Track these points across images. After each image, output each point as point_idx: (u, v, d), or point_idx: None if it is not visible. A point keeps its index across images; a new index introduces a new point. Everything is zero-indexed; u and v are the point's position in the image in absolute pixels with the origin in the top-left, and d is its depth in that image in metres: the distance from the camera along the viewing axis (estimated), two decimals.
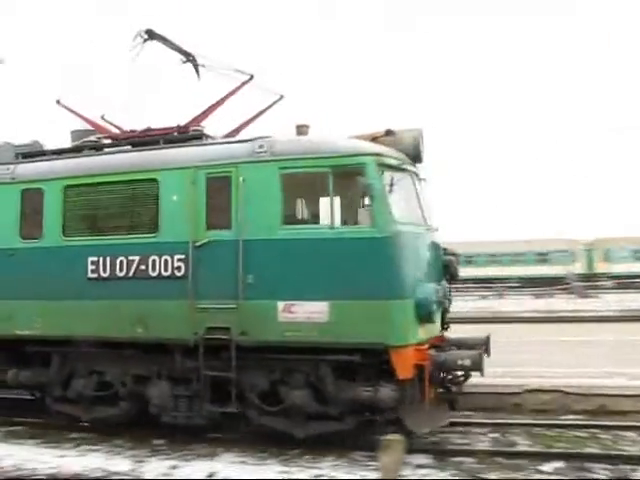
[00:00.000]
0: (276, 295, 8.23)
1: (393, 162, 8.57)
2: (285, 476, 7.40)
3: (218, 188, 8.65)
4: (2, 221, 10.09)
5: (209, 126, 10.28)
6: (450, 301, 9.50)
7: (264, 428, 8.71)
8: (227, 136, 9.88)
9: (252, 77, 10.20)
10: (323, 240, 8.19)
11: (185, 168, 8.90)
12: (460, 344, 9.10)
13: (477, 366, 8.26)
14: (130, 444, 9.16)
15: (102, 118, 10.81)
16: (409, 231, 8.38)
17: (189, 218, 8.75)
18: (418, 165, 9.49)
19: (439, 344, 8.89)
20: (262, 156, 8.55)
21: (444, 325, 9.48)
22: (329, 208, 8.23)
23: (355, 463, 8.14)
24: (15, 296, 9.81)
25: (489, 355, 9.26)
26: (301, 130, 9.31)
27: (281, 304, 8.19)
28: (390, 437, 6.88)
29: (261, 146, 8.64)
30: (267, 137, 8.88)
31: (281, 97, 10.47)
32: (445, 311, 9.36)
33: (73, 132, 10.89)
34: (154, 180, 9.09)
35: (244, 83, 10.17)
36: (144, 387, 9.16)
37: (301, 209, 8.93)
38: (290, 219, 8.55)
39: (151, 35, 10.39)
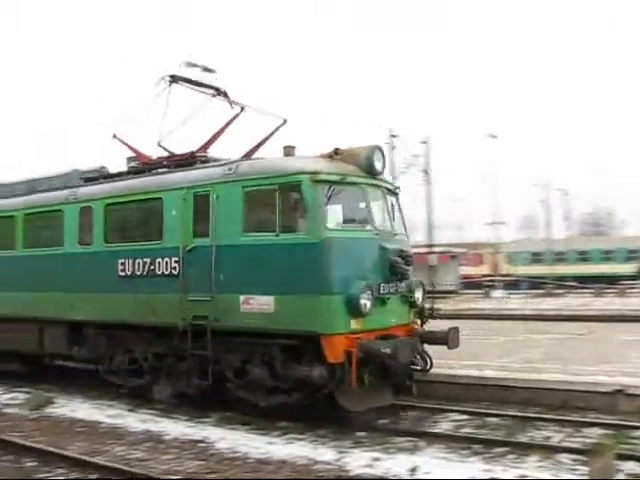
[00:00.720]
0: (238, 290, 9.94)
1: (333, 177, 9.76)
2: (489, 475, 7.28)
3: (201, 204, 10.52)
4: (69, 232, 12.82)
5: (228, 150, 12.17)
6: (418, 297, 10.63)
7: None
8: (242, 157, 11.48)
9: (243, 108, 12.40)
10: (269, 245, 9.70)
11: (180, 189, 10.89)
12: (428, 335, 10.61)
13: (395, 354, 9.17)
14: (334, 435, 9.41)
15: (158, 144, 12.56)
16: (342, 237, 9.64)
17: (182, 228, 10.75)
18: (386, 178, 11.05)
19: (396, 334, 10.02)
20: (230, 177, 10.32)
21: (422, 318, 10.92)
22: (276, 218, 9.65)
23: (561, 465, 7.83)
24: (76, 290, 12.49)
25: (452, 347, 10.64)
26: (287, 151, 10.95)
27: (242, 297, 9.88)
28: (600, 441, 6.55)
29: (230, 169, 10.45)
30: (235, 161, 10.81)
31: (284, 122, 12.20)
32: (413, 305, 10.60)
33: (127, 159, 13.16)
34: (159, 198, 11.20)
35: (237, 115, 12.38)
36: (160, 363, 11.25)
37: (258, 219, 10.10)
38: (248, 228, 9.99)
39: (174, 79, 12.35)
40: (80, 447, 8.81)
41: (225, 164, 10.81)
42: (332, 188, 9.77)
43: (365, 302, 9.32)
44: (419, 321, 10.91)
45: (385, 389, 10.21)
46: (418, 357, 10.33)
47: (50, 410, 11.15)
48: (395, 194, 11.34)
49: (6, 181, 15.77)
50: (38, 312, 13.16)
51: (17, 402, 11.82)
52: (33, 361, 14.47)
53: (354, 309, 9.28)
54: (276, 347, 9.72)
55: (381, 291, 9.79)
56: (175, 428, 9.79)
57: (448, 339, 10.50)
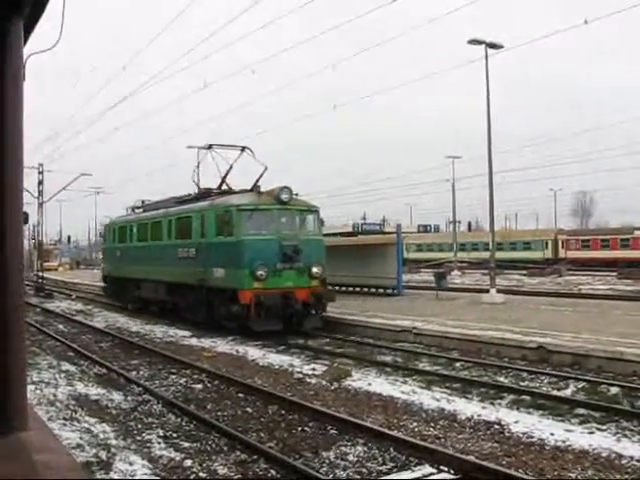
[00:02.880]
0: (213, 265, 18.76)
1: (250, 207, 18.50)
2: None
3: (202, 220, 19.65)
4: (165, 232, 22.68)
5: (238, 186, 21.17)
6: (316, 271, 18.40)
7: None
8: (248, 191, 20.04)
9: (244, 148, 21.51)
10: (222, 243, 18.57)
11: (197, 211, 20.33)
12: (317, 293, 18.35)
13: (263, 301, 17.25)
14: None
15: (193, 180, 22.29)
16: (251, 238, 18.06)
17: (198, 233, 19.90)
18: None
19: (294, 292, 17.86)
20: (210, 207, 19.56)
21: (324, 284, 18.98)
22: (226, 228, 18.49)
23: None
24: (167, 265, 22.05)
25: (326, 300, 18.67)
26: (255, 189, 19.74)
27: (214, 269, 18.67)
28: None
29: (211, 203, 19.75)
30: (215, 197, 20.21)
31: (266, 169, 20.92)
32: (312, 276, 18.41)
33: (198, 190, 22.14)
34: (190, 217, 20.69)
35: (231, 167, 21.58)
36: (192, 304, 20.29)
37: (220, 229, 18.83)
38: (217, 232, 18.91)
39: (210, 146, 21.29)
40: (377, 420, 9.16)
41: (210, 199, 20.30)
42: (251, 212, 18.44)
43: (261, 273, 17.63)
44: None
45: (275, 321, 17.68)
46: (296, 305, 17.77)
47: (347, 382, 11.72)
48: (313, 212, 19.73)
49: (147, 202, 27.73)
50: (155, 277, 23.39)
51: (317, 373, 12.61)
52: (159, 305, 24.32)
53: (254, 276, 17.61)
54: (225, 296, 18.28)
55: (277, 267, 17.95)
56: (468, 408, 9.73)
57: (322, 295, 18.55)
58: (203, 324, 19.78)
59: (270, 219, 18.46)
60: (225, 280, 18.21)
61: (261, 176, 20.58)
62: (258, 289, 17.41)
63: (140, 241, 25.18)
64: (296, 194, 19.21)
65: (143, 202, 28.29)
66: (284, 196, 18.47)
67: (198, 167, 21.67)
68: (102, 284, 31.82)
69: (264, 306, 17.21)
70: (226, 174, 21.46)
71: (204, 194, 21.25)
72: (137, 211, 28.28)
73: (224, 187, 21.57)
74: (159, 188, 38.00)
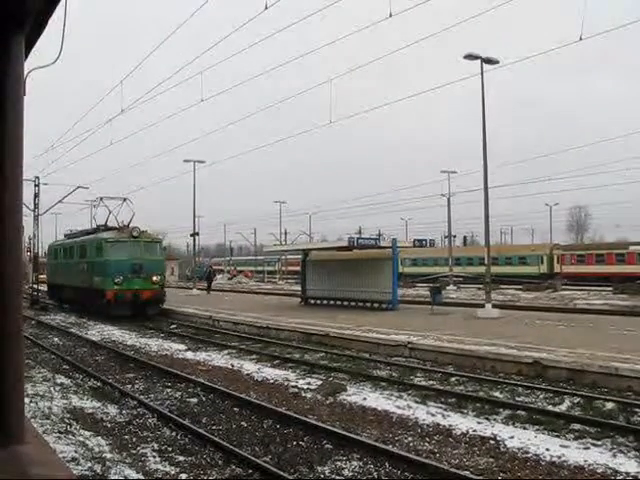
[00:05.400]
0: (94, 275, 30.08)
1: (113, 240, 29.99)
2: None
3: (93, 247, 31.11)
4: (75, 253, 34.42)
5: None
6: (156, 279, 29.93)
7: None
8: (117, 229, 32.03)
9: (125, 199, 34.75)
10: (99, 261, 29.87)
11: (89, 241, 32.18)
12: (156, 294, 29.82)
13: (117, 298, 28.59)
14: (635, 444, 8.62)
15: (93, 218, 36.30)
16: (113, 259, 29.21)
17: (88, 254, 31.49)
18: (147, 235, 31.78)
19: (141, 292, 29.09)
20: (94, 239, 31.61)
21: (162, 288, 30.51)
22: (99, 252, 30.12)
23: None
24: (76, 275, 33.04)
25: (157, 302, 29.86)
26: (123, 227, 31.89)
27: (95, 277, 29.92)
28: None
29: (95, 236, 31.90)
30: (100, 232, 32.27)
31: (134, 214, 33.79)
32: (153, 282, 29.64)
33: (97, 225, 35.01)
34: (85, 244, 32.61)
35: (121, 204, 34.33)
36: (86, 300, 31.63)
37: (98, 252, 30.04)
38: (96, 255, 30.31)
39: (102, 199, 34.41)
40: (372, 435, 9.15)
41: (96, 233, 32.17)
42: (113, 243, 29.57)
43: (118, 279, 28.46)
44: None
45: (127, 310, 28.36)
46: (141, 300, 28.73)
47: (342, 397, 11.71)
48: (156, 242, 31.83)
49: (73, 231, 38.77)
50: (71, 283, 33.72)
51: (312, 388, 12.58)
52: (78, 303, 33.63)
53: (114, 282, 28.46)
54: (99, 294, 28.81)
55: (129, 276, 28.76)
56: (464, 423, 9.73)
57: (158, 294, 29.77)
58: (198, 340, 21.15)
59: (125, 247, 29.57)
60: (99, 284, 29.14)
61: (131, 219, 32.61)
62: (116, 290, 28.39)
63: (65, 259, 36.85)
64: (144, 231, 30.81)
65: (71, 231, 39.84)
66: (135, 233, 29.89)
67: (92, 211, 34.82)
68: (46, 289, 43.50)
69: (120, 300, 28.25)
70: (108, 217, 33.48)
71: (95, 229, 33.52)
72: (66, 237, 40.29)
73: (114, 224, 32.36)
74: (153, 201, 41.81)
